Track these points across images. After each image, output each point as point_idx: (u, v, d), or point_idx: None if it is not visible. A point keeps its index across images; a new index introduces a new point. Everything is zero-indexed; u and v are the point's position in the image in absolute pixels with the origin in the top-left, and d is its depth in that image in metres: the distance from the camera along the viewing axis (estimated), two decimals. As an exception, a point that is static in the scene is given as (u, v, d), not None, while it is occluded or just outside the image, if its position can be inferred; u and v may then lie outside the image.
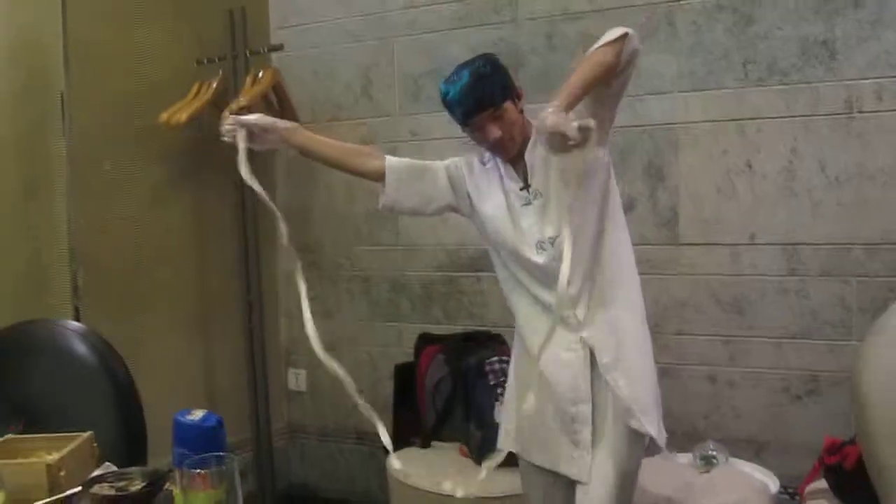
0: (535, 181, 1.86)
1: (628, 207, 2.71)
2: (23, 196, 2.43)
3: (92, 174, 2.55)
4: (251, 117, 1.90)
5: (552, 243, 1.82)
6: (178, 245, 2.93)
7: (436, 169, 2.01)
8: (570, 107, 1.62)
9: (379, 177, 1.99)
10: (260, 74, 2.92)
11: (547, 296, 1.83)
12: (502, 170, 1.91)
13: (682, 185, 2.67)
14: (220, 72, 2.92)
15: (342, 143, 2.06)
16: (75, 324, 1.85)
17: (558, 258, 1.78)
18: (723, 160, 2.61)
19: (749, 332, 2.62)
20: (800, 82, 2.51)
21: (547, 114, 1.59)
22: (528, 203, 1.87)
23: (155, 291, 2.80)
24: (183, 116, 2.71)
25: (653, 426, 1.86)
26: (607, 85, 1.73)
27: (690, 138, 2.65)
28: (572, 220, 1.72)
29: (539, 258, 1.84)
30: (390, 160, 2.00)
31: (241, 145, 1.82)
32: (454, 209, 2.04)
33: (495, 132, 1.80)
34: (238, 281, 2.98)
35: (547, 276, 1.82)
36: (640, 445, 1.89)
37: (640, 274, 2.55)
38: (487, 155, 1.94)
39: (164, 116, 2.72)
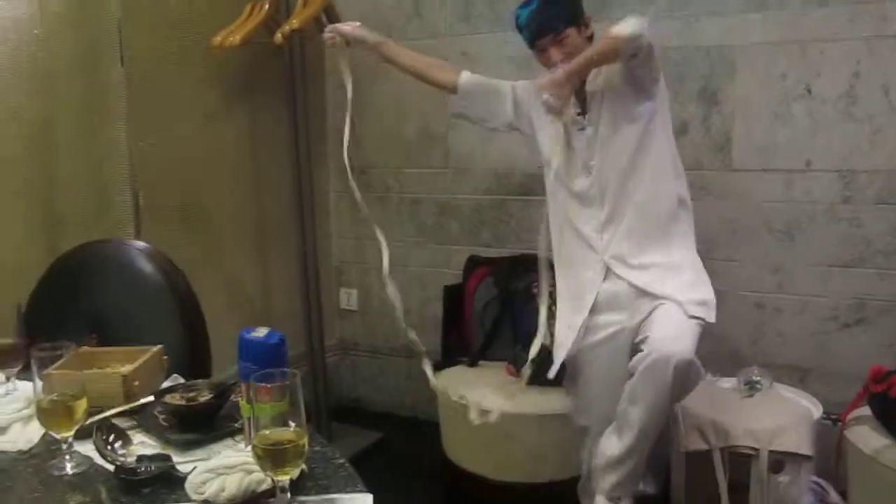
0: (592, 110, 1.98)
1: (681, 132, 2.69)
2: (83, 120, 2.49)
3: (148, 97, 2.60)
4: (347, 26, 2.23)
5: (592, 171, 2.02)
6: (233, 166, 2.99)
7: (504, 88, 2.21)
8: (572, 75, 1.85)
9: (454, 88, 2.22)
10: (311, -5, 2.90)
11: (584, 227, 2.05)
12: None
13: (738, 109, 2.62)
14: (272, -7, 2.91)
15: (423, 55, 2.32)
16: (140, 243, 1.93)
17: (598, 187, 2.01)
18: (781, 84, 2.54)
19: (799, 259, 2.60)
20: (866, 1, 2.41)
21: (549, 74, 1.85)
22: (583, 128, 2.00)
23: (211, 212, 2.88)
24: (236, 38, 2.72)
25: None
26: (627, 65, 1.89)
27: (748, 60, 2.58)
28: (608, 153, 1.97)
29: (581, 182, 2.02)
30: (465, 74, 2.23)
31: (343, 51, 2.20)
32: (515, 128, 2.20)
33: (556, 56, 1.91)
34: (291, 202, 3.03)
35: (585, 201, 2.03)
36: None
37: (693, 199, 2.55)
38: None
39: (217, 39, 2.73)
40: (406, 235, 3.32)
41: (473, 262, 2.92)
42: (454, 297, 2.95)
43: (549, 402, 2.48)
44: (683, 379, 1.91)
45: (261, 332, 1.18)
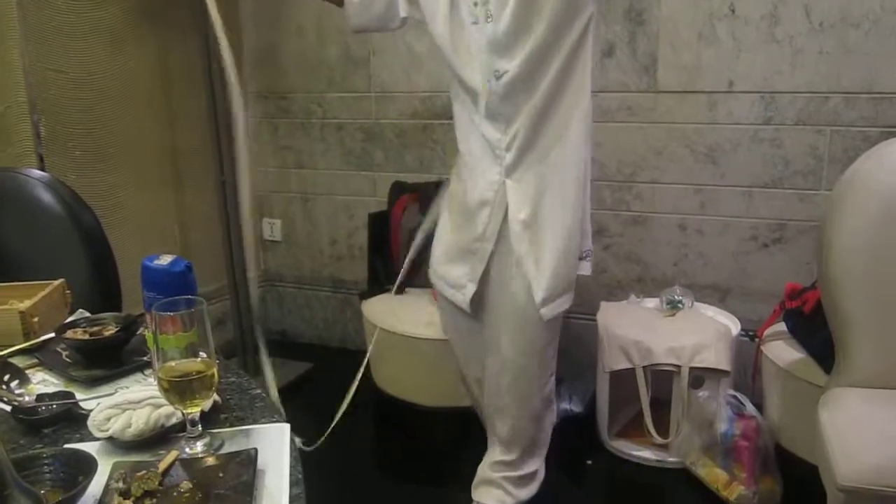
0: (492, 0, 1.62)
1: (607, 53, 2.65)
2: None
3: (45, 17, 2.40)
4: None
5: (499, 78, 1.64)
6: (144, 93, 2.82)
7: None
8: None
9: (339, 1, 1.90)
10: None
11: (489, 132, 1.71)
12: None
13: (663, 29, 2.59)
14: None
15: None
16: (39, 172, 1.80)
17: (502, 93, 1.64)
18: (706, 4, 2.52)
19: (721, 181, 2.63)
20: (790, -81, 2.39)
21: None
22: (476, 22, 1.64)
23: (121, 141, 2.72)
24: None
25: (553, 309, 1.76)
26: None
27: (674, -21, 2.54)
28: (530, 58, 1.59)
29: (481, 87, 1.67)
30: None
31: None
32: (419, 20, 1.83)
33: None
34: (207, 129, 2.89)
35: (487, 110, 1.69)
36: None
37: (619, 122, 2.50)
38: None
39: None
40: (330, 162, 3.22)
41: (398, 188, 2.86)
42: (379, 225, 2.90)
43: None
44: None
45: (165, 260, 1.11)
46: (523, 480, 1.98)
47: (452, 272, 1.90)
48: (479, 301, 1.89)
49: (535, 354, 1.82)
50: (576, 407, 2.59)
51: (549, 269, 1.73)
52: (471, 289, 1.86)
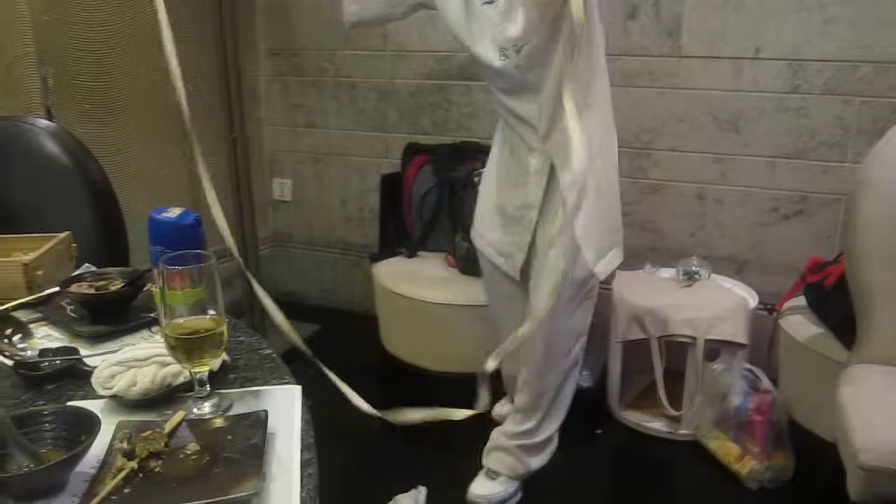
0: None
1: (630, 15, 2.57)
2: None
3: (52, -38, 2.34)
4: None
5: (517, 50, 1.65)
6: (152, 46, 2.74)
7: None
8: None
9: None
10: None
11: (518, 107, 1.75)
12: None
13: (689, -8, 2.50)
14: None
15: None
16: (44, 121, 1.75)
17: (524, 66, 1.67)
18: (735, -35, 2.43)
19: (743, 150, 2.56)
20: None
21: None
22: (490, 2, 1.66)
23: (131, 95, 2.66)
24: None
25: (595, 264, 1.80)
26: None
27: (703, -61, 2.45)
28: (543, 28, 1.60)
29: (499, 63, 1.68)
30: None
31: None
32: (425, 5, 1.88)
33: None
34: (218, 86, 2.83)
35: (511, 84, 1.73)
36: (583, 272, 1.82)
37: (639, 87, 2.42)
38: None
39: None
40: (342, 122, 3.16)
41: (412, 150, 2.80)
42: (392, 187, 2.85)
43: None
44: None
45: (174, 212, 1.07)
46: (537, 448, 1.98)
47: (502, 240, 1.93)
48: (525, 269, 1.91)
49: (567, 317, 1.83)
50: (585, 382, 2.55)
51: (596, 226, 1.78)
52: (519, 258, 1.89)
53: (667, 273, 2.56)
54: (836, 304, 2.07)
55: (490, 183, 1.96)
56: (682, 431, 2.34)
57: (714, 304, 2.30)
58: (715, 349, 2.27)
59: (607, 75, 1.76)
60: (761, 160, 2.55)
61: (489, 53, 1.69)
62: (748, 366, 2.25)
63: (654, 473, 2.30)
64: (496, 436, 2.03)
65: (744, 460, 2.14)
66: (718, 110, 2.56)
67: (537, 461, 2.01)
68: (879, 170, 1.73)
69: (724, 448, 2.20)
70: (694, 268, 2.49)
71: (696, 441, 2.30)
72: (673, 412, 2.31)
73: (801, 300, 2.28)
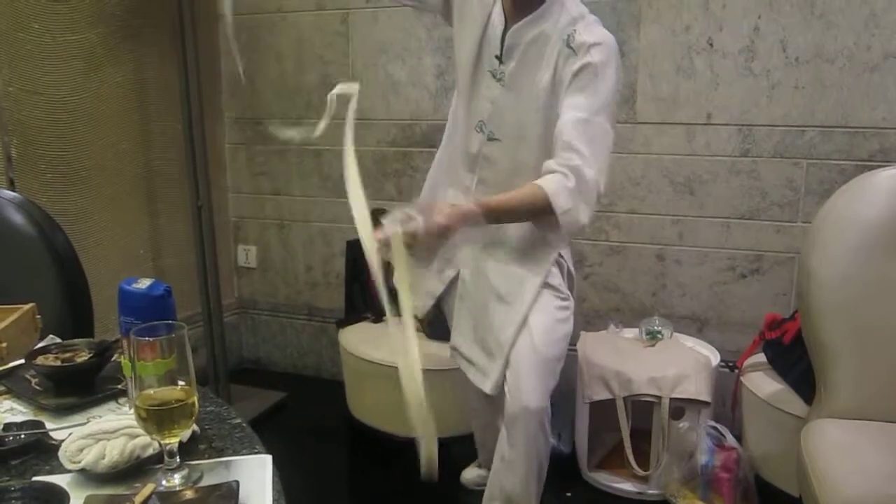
0: (509, 69, 1.74)
1: (587, 84, 2.66)
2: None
3: (19, 39, 2.36)
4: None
5: (491, 139, 1.79)
6: (118, 115, 2.77)
7: None
8: (485, 219, 1.62)
9: None
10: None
11: (467, 179, 1.86)
12: (495, 11, 1.76)
13: (642, 61, 2.61)
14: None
15: None
16: (10, 193, 1.74)
17: (489, 159, 1.79)
18: (684, 37, 2.55)
19: (699, 212, 2.65)
20: (767, -44, 2.43)
21: (442, 213, 1.57)
22: (496, 78, 1.76)
23: (94, 164, 2.67)
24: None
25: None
26: None
27: (654, 12, 2.57)
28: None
29: (472, 139, 1.81)
30: None
31: None
32: (445, 17, 1.91)
33: None
34: (183, 154, 2.85)
35: (471, 159, 1.83)
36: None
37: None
38: None
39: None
40: (307, 189, 3.19)
41: (377, 216, 2.83)
42: (357, 252, 2.86)
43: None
44: None
45: (144, 283, 1.07)
46: None
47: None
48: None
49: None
50: (565, 447, 2.55)
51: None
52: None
53: (630, 333, 2.60)
54: (794, 359, 2.13)
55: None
56: (650, 491, 2.35)
57: (677, 363, 2.34)
58: (680, 408, 2.30)
59: None
60: (717, 221, 2.63)
61: (471, 122, 1.80)
62: (713, 423, 2.28)
63: (624, 535, 2.30)
64: None
65: (713, 519, 2.15)
66: (674, 174, 2.65)
67: None
68: (827, 229, 1.80)
69: (693, 507, 2.21)
70: (656, 327, 2.53)
71: (665, 501, 2.30)
72: (641, 472, 2.32)
73: (761, 357, 2.33)
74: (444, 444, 2.32)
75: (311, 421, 2.96)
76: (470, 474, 2.41)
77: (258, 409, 2.94)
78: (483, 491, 2.23)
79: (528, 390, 1.77)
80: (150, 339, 0.92)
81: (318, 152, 3.14)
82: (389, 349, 2.51)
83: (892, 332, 1.74)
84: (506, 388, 1.81)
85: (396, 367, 2.23)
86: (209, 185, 2.84)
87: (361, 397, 2.76)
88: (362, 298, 2.83)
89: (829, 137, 2.46)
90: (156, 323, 0.94)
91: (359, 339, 2.71)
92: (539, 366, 1.79)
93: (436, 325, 2.52)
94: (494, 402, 1.93)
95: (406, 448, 2.62)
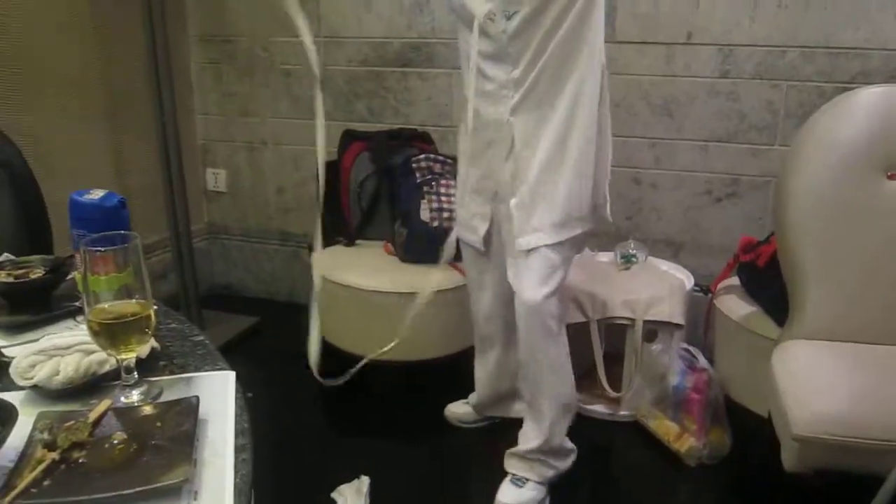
0: None
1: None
2: None
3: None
4: None
5: (509, 17, 1.66)
6: (77, 32, 2.64)
7: None
8: None
9: None
10: None
11: (492, 73, 1.75)
12: None
13: (623, -23, 2.53)
14: None
15: None
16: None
17: (515, 36, 1.68)
18: (667, -49, 2.46)
19: (676, 135, 2.61)
20: None
21: None
22: None
23: (53, 81, 2.55)
24: None
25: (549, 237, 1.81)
26: None
27: (635, -75, 2.47)
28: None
29: (482, 20, 1.68)
30: None
31: None
32: None
33: None
34: (146, 71, 2.73)
35: (492, 49, 1.72)
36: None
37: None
38: None
39: None
40: (277, 110, 3.10)
41: (349, 137, 2.76)
42: (329, 175, 2.79)
43: (426, 279, 2.42)
44: None
45: (96, 194, 1.01)
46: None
47: (465, 212, 1.98)
48: (487, 239, 1.96)
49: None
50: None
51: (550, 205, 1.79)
52: (482, 228, 1.94)
53: (605, 257, 2.59)
54: (768, 282, 2.12)
55: (461, 167, 1.96)
56: (622, 413, 2.37)
57: (652, 286, 2.34)
58: (653, 330, 2.30)
59: (599, 58, 1.78)
60: (694, 144, 2.59)
61: (476, 5, 1.69)
62: (686, 346, 2.29)
63: (595, 455, 2.32)
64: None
65: (682, 438, 2.18)
66: (652, 96, 2.60)
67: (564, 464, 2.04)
68: (808, 147, 1.77)
69: (664, 427, 2.24)
70: (631, 251, 2.52)
71: (636, 422, 2.33)
72: (613, 394, 2.34)
73: (735, 280, 2.33)
74: (412, 368, 2.34)
75: (285, 345, 2.94)
76: (457, 409, 2.39)
77: (230, 333, 2.92)
78: (466, 429, 2.27)
79: (528, 286, 1.80)
80: (103, 250, 0.87)
81: (287, 72, 3.03)
82: (361, 272, 2.49)
83: (865, 252, 1.74)
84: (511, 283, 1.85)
85: (368, 290, 2.21)
86: (174, 104, 2.74)
87: (334, 321, 2.73)
88: (334, 222, 2.77)
89: (810, 59, 2.41)
90: (108, 234, 0.89)
91: (331, 263, 2.67)
92: (540, 260, 1.80)
93: (408, 249, 2.49)
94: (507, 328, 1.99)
95: (378, 369, 2.62)
